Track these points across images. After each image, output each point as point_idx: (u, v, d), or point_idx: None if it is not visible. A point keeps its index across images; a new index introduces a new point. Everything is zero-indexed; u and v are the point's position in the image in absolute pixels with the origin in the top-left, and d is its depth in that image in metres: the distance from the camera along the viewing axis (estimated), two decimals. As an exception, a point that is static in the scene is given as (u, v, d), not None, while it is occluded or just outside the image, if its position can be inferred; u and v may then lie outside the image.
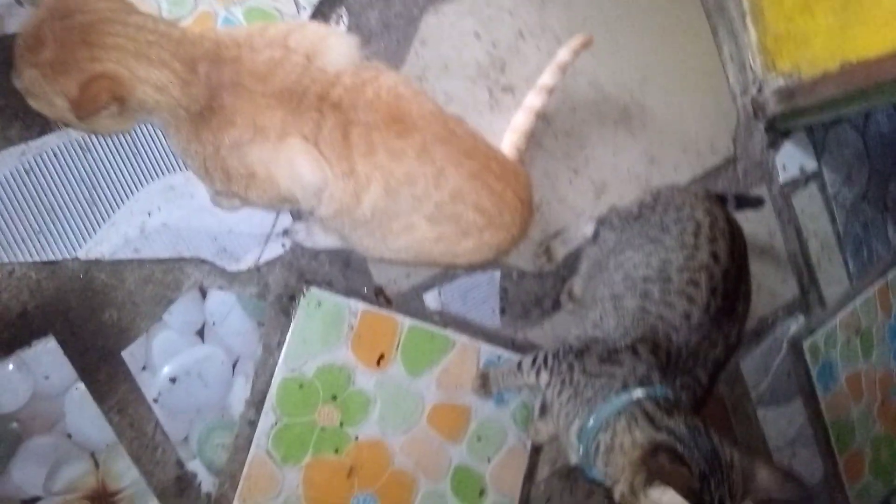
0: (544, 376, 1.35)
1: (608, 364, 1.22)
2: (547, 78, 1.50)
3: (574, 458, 1.25)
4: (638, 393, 1.16)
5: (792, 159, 2.16)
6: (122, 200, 1.27)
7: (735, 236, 1.36)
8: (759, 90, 2.07)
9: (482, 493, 1.56)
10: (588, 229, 1.62)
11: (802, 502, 1.13)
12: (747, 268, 1.36)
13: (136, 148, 1.29)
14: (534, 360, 1.41)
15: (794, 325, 2.11)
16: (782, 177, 2.12)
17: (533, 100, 1.54)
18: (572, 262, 1.68)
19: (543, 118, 1.69)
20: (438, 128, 1.19)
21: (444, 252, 1.29)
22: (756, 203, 1.75)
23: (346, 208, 1.16)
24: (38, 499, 1.19)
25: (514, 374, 1.47)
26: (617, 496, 1.10)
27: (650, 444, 1.07)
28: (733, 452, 1.09)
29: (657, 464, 1.03)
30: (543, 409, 1.64)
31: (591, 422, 1.17)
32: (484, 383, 1.55)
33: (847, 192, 2.30)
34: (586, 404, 1.20)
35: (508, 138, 1.52)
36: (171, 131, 1.13)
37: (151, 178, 1.29)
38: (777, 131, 2.11)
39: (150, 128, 1.28)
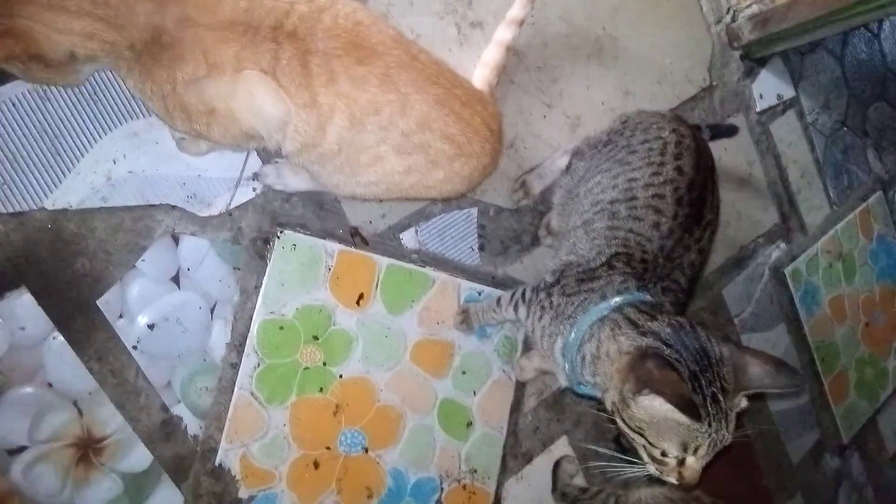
0: (522, 310, 1.35)
1: (586, 282, 1.21)
2: (516, 10, 1.48)
3: (562, 379, 1.24)
4: (617, 300, 1.14)
5: (769, 87, 2.14)
6: (85, 149, 1.26)
7: (701, 151, 1.35)
8: (733, 18, 2.05)
9: (469, 424, 1.57)
10: (562, 162, 1.61)
11: (794, 388, 1.12)
12: (714, 181, 1.36)
13: (97, 95, 1.27)
14: (512, 296, 1.41)
15: (776, 252, 2.12)
16: (759, 105, 2.11)
17: (503, 33, 1.52)
18: (549, 196, 1.67)
19: (514, 53, 1.67)
20: (400, 53, 1.17)
21: (414, 184, 1.28)
22: (730, 132, 1.74)
23: (311, 142, 1.15)
24: (23, 448, 1.20)
25: (494, 309, 1.48)
26: (608, 405, 1.09)
27: (636, 351, 1.05)
28: (722, 348, 1.05)
29: (645, 371, 1.00)
30: (527, 346, 1.66)
31: (573, 334, 1.15)
32: (465, 319, 1.55)
33: (826, 118, 2.29)
34: (567, 320, 1.18)
35: (479, 73, 1.51)
36: (123, 74, 1.12)
37: (114, 126, 1.28)
38: (753, 59, 2.10)
39: (108, 74, 1.26)
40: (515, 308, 1.38)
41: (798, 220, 2.19)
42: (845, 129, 2.34)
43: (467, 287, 1.59)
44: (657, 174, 1.30)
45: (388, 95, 1.14)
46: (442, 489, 1.55)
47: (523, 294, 1.38)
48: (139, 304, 1.29)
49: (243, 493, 1.35)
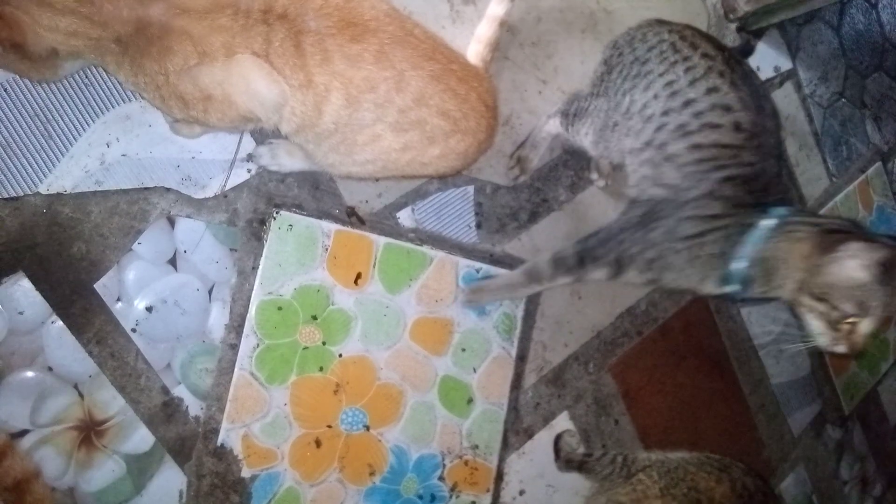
0: (632, 275, 1.36)
1: (712, 220, 1.25)
2: (508, -17, 1.47)
3: (715, 291, 1.31)
4: (772, 221, 1.21)
5: (766, 59, 2.13)
6: (78, 133, 1.26)
7: (705, 34, 1.37)
8: (729, -11, 2.03)
9: (470, 401, 1.58)
10: (551, 126, 1.61)
11: None
12: (732, 52, 1.38)
13: (88, 79, 1.26)
14: (600, 263, 1.39)
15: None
16: (756, 77, 2.09)
17: (496, 8, 1.51)
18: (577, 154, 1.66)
19: (508, 29, 1.66)
20: (395, 29, 1.16)
21: (411, 161, 1.28)
22: (746, 52, 1.75)
23: (308, 122, 1.15)
24: (26, 432, 1.21)
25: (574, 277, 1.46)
26: (788, 293, 1.20)
27: (824, 230, 1.17)
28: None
29: (837, 238, 1.13)
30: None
31: (741, 262, 1.22)
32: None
33: (823, 90, 2.28)
34: (719, 258, 1.25)
35: (473, 49, 1.50)
36: (112, 69, 1.11)
37: (106, 109, 1.27)
38: (749, 31, 2.08)
39: (99, 57, 1.26)
40: (620, 274, 1.38)
41: (797, 193, 2.18)
42: (843, 100, 2.33)
43: (465, 265, 1.59)
44: (692, 68, 1.30)
45: (383, 72, 1.14)
46: (444, 465, 1.56)
47: (620, 263, 1.37)
48: (137, 287, 1.29)
49: (246, 473, 1.36)
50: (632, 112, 1.37)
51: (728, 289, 1.26)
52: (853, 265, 1.13)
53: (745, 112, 1.28)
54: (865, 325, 1.18)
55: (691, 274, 1.29)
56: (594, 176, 1.76)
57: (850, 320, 1.16)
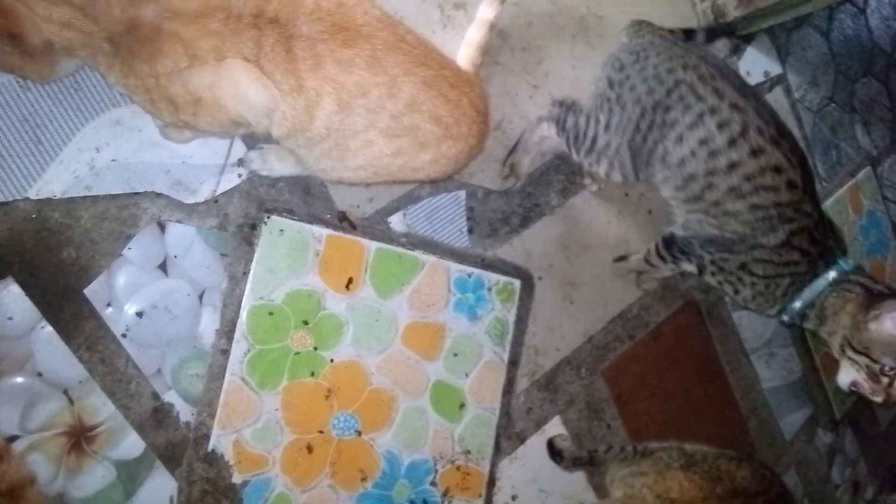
0: (709, 278, 1.55)
1: (786, 266, 1.40)
2: (498, -14, 1.48)
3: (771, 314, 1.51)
4: (832, 275, 1.38)
5: (756, 64, 2.14)
6: (67, 138, 1.25)
7: (722, 69, 1.39)
8: (719, -6, 2.05)
9: (462, 406, 1.58)
10: (542, 130, 1.62)
11: None
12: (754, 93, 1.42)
13: (78, 84, 1.26)
14: (662, 258, 1.63)
15: (765, 229, 2.12)
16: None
17: (486, 11, 1.51)
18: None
19: (498, 33, 1.66)
20: (387, 35, 1.16)
21: (402, 167, 1.28)
22: (729, 30, 1.77)
23: (299, 126, 1.15)
24: (15, 437, 1.20)
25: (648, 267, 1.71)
26: (836, 343, 1.39)
27: (869, 293, 1.34)
28: None
29: (882, 300, 1.31)
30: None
31: (799, 304, 1.42)
32: (639, 280, 1.80)
33: (813, 94, 2.29)
34: (780, 299, 1.44)
35: (463, 53, 1.50)
36: (104, 69, 1.11)
37: (95, 114, 1.27)
38: (739, 36, 2.09)
39: (89, 62, 1.26)
40: (677, 264, 1.62)
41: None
42: (833, 104, 2.35)
43: (457, 269, 1.59)
44: (725, 125, 1.33)
45: (375, 78, 1.14)
46: (436, 470, 1.55)
47: (674, 256, 1.60)
48: (127, 293, 1.28)
49: (237, 479, 1.36)
50: (668, 163, 1.41)
51: (784, 317, 1.46)
52: (889, 324, 1.30)
53: (794, 168, 1.35)
54: None
55: (754, 300, 1.48)
56: (587, 181, 1.77)
57: (889, 373, 1.32)
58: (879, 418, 2.42)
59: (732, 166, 1.33)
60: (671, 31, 1.64)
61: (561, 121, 1.57)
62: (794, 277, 1.41)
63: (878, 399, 1.36)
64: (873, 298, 1.33)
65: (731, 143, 1.33)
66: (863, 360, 1.34)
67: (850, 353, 1.36)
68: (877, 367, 1.33)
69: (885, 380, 1.35)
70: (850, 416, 2.33)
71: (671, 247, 1.58)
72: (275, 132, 1.15)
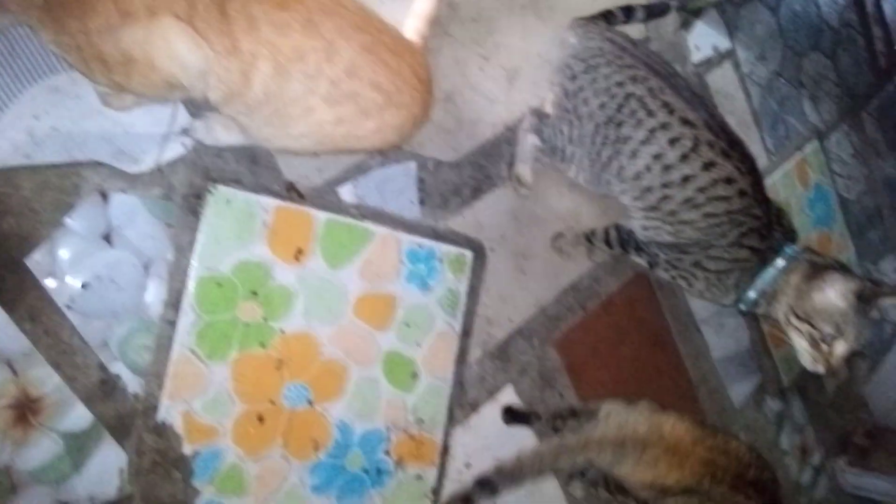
0: (662, 273, 1.62)
1: (737, 263, 1.46)
2: (445, -43, 1.48)
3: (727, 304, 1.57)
4: (780, 263, 1.44)
5: (705, 39, 2.18)
6: (4, 105, 1.23)
7: (669, 76, 1.43)
8: (669, -31, 2.07)
9: (415, 376, 1.60)
10: (532, 140, 1.66)
11: None
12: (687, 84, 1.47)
13: (14, 50, 1.23)
14: (609, 243, 1.71)
15: (715, 201, 2.17)
16: (696, 57, 2.15)
17: (434, -19, 1.51)
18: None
19: (448, 4, 1.67)
20: None
21: (346, 135, 1.28)
22: (663, 11, 1.80)
23: (236, 90, 1.14)
24: (-44, 411, 1.19)
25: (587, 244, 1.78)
26: (781, 312, 1.43)
27: (817, 265, 1.41)
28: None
29: (826, 269, 1.37)
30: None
31: (753, 293, 1.47)
32: (560, 251, 1.81)
33: (762, 69, 2.34)
34: (733, 289, 1.50)
35: (411, 24, 1.49)
36: (36, 25, 1.08)
37: (33, 81, 1.25)
38: (688, 11, 2.13)
39: (25, 30, 1.23)
40: (626, 254, 1.69)
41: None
42: (781, 79, 2.40)
43: (408, 241, 1.60)
44: (677, 140, 1.38)
45: (312, 42, 1.14)
46: (389, 439, 1.57)
47: (627, 250, 1.67)
48: (70, 263, 1.27)
49: (187, 449, 1.35)
50: (624, 177, 1.47)
51: (741, 306, 1.53)
52: (833, 293, 1.35)
53: (744, 177, 1.41)
54: (841, 348, 1.39)
55: (708, 291, 1.55)
56: (515, 184, 1.76)
57: (827, 342, 1.37)
58: (826, 386, 2.50)
59: (686, 179, 1.40)
60: (610, 15, 1.65)
61: (539, 131, 1.62)
62: (743, 271, 1.47)
63: (821, 369, 1.41)
64: (818, 269, 1.40)
65: (684, 158, 1.39)
66: (805, 327, 1.40)
67: (794, 320, 1.42)
68: (818, 335, 1.39)
69: (825, 347, 1.40)
70: (798, 384, 2.40)
71: (627, 243, 1.64)
72: (212, 96, 1.15)
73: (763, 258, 1.46)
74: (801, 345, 1.43)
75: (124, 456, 1.31)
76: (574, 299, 1.87)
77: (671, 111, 1.39)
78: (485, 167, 1.74)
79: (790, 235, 1.52)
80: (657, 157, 1.40)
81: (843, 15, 2.66)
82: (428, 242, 1.63)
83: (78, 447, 1.27)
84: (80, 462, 1.28)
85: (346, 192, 1.54)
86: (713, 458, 1.39)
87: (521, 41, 1.80)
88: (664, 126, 1.39)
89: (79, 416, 1.27)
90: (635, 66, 1.42)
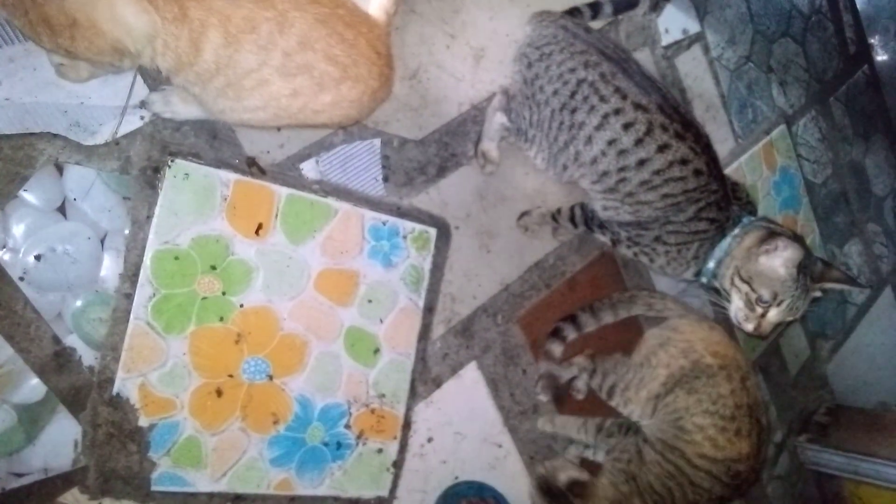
0: (624, 251, 1.67)
1: (696, 235, 1.51)
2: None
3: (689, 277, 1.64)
4: (736, 230, 1.51)
5: (674, 22, 2.19)
6: (-45, 75, 1.21)
7: (621, 61, 1.44)
8: (639, -49, 2.07)
9: (377, 351, 1.61)
10: (500, 118, 1.67)
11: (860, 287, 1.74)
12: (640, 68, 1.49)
13: (-35, 19, 1.22)
14: (574, 222, 1.74)
15: (681, 183, 2.19)
16: (665, 40, 2.15)
17: (399, -42, 1.50)
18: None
19: (414, -19, 1.66)
20: None
21: (302, 108, 1.28)
22: (631, 4, 1.86)
23: (186, 59, 1.13)
24: None
25: (552, 222, 1.80)
26: (729, 273, 1.50)
27: (767, 231, 1.48)
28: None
29: (777, 234, 1.45)
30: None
31: (712, 263, 1.54)
32: (526, 229, 1.82)
33: (731, 53, 2.35)
34: (693, 260, 1.56)
35: (376, 1, 1.49)
36: None
37: (-15, 50, 1.23)
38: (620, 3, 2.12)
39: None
40: (590, 231, 1.73)
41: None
42: (750, 64, 2.42)
43: (371, 217, 1.61)
44: (630, 125, 1.40)
45: (264, 12, 1.13)
46: (350, 414, 1.58)
47: (591, 228, 1.70)
48: (24, 235, 1.26)
49: (144, 422, 1.36)
50: (581, 161, 1.49)
51: (702, 279, 1.59)
52: (779, 260, 1.42)
53: (699, 157, 1.43)
54: (773, 314, 1.46)
55: (669, 265, 1.59)
56: (481, 162, 1.76)
57: (763, 305, 1.45)
58: (788, 364, 2.54)
59: (642, 163, 1.42)
60: (576, 11, 1.67)
61: (507, 110, 1.64)
62: (703, 242, 1.53)
63: (750, 327, 1.48)
64: (773, 235, 1.45)
65: (639, 142, 1.41)
66: (744, 287, 1.47)
67: (737, 281, 1.49)
68: (754, 297, 1.46)
69: (759, 310, 1.47)
70: (761, 363, 2.44)
71: (591, 221, 1.67)
72: (161, 64, 1.14)
73: (721, 229, 1.51)
74: (736, 303, 1.50)
75: (79, 428, 1.31)
76: (538, 277, 1.89)
77: (624, 96, 1.40)
78: (450, 145, 1.74)
79: (748, 207, 1.55)
80: (612, 142, 1.42)
81: (813, 1, 2.68)
82: (391, 219, 1.63)
83: (31, 419, 1.27)
84: (34, 434, 1.28)
85: (309, 169, 1.54)
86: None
87: (489, 20, 1.79)
88: (617, 111, 1.40)
89: (32, 388, 1.27)
90: (587, 52, 1.44)
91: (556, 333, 1.83)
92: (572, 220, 1.74)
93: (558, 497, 1.62)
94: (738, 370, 1.63)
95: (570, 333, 1.85)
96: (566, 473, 1.66)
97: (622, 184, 1.47)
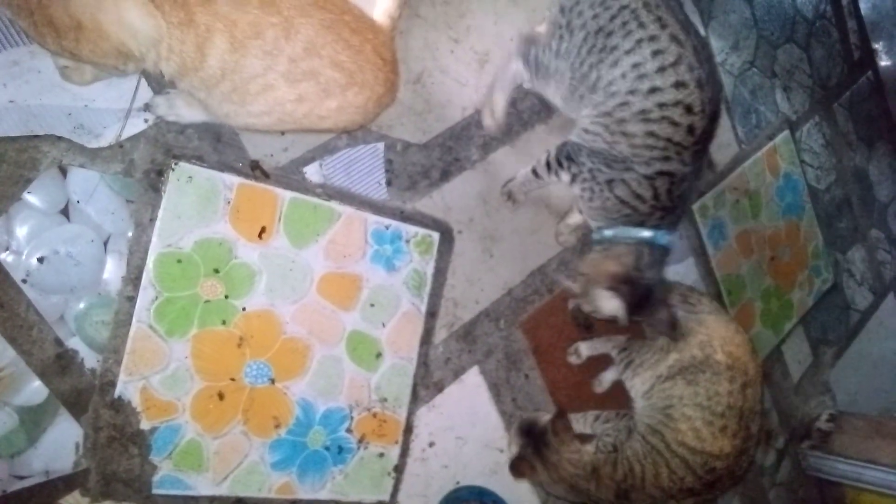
0: (565, 176, 1.63)
1: (635, 199, 1.50)
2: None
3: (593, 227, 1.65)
4: (646, 234, 1.52)
5: (679, 26, 2.18)
6: (-40, 77, 1.21)
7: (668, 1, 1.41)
8: (644, -44, 2.07)
9: (379, 355, 1.60)
10: (514, 67, 1.64)
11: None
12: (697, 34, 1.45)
13: (-30, 21, 1.22)
14: (548, 166, 1.67)
15: (685, 188, 2.18)
16: (669, 44, 2.14)
17: (404, -37, 1.50)
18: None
19: (419, -15, 1.66)
20: None
21: (308, 113, 1.28)
22: None
23: (191, 64, 1.13)
24: None
25: (533, 181, 1.73)
26: (574, 284, 1.58)
27: (626, 273, 1.51)
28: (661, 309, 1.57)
29: (620, 281, 1.50)
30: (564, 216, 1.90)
31: (608, 232, 1.57)
32: (510, 196, 1.77)
33: (735, 58, 2.35)
34: (611, 221, 1.57)
35: (381, 5, 1.49)
36: None
37: (-10, 53, 1.23)
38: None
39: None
40: (556, 175, 1.65)
41: (707, 158, 2.25)
42: (754, 69, 2.41)
43: (374, 221, 1.61)
44: (660, 52, 1.35)
45: (270, 18, 1.13)
46: (352, 418, 1.58)
47: (560, 162, 1.63)
48: (27, 238, 1.26)
49: (145, 425, 1.36)
50: (598, 87, 1.45)
51: (594, 236, 1.63)
52: (606, 304, 1.53)
53: (701, 117, 1.39)
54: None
55: (595, 211, 1.60)
56: (488, 122, 1.75)
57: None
58: (791, 371, 2.54)
59: (653, 91, 1.37)
60: None
61: (525, 54, 1.60)
62: (632, 214, 1.53)
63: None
64: (619, 280, 1.51)
65: (661, 70, 1.36)
66: (580, 280, 1.62)
67: (575, 288, 1.61)
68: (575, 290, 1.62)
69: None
70: (764, 369, 2.43)
71: (561, 152, 1.63)
72: (165, 68, 1.14)
73: (651, 215, 1.52)
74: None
75: (80, 431, 1.31)
76: (541, 282, 1.89)
77: (663, 26, 1.36)
78: (454, 150, 1.74)
79: (675, 220, 1.58)
80: (636, 65, 1.38)
81: (817, 7, 2.67)
82: (394, 223, 1.63)
83: (33, 421, 1.27)
84: (36, 436, 1.28)
85: (313, 172, 1.54)
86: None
87: (493, 25, 1.79)
88: (652, 38, 1.37)
89: (34, 390, 1.27)
90: None
91: None
92: (548, 165, 1.68)
93: (536, 436, 1.63)
94: (743, 375, 1.63)
95: None
96: (547, 416, 1.66)
97: (621, 108, 1.43)
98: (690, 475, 1.56)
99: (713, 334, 1.69)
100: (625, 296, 1.50)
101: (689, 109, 1.38)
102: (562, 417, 1.60)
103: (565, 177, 1.63)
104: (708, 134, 1.43)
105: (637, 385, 1.74)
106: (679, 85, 1.36)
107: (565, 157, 1.62)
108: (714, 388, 1.60)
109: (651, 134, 1.41)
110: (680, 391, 1.62)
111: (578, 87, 1.50)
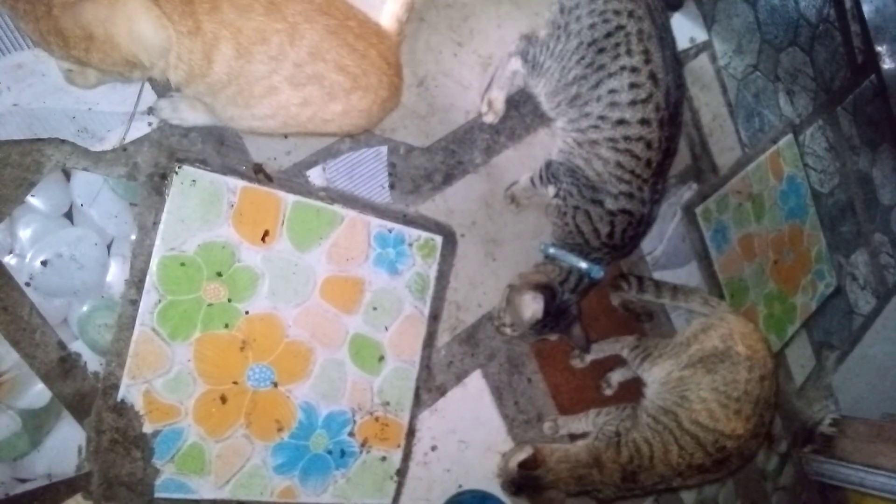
0: (555, 202, 1.69)
1: (592, 234, 1.61)
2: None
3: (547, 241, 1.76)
4: (583, 265, 1.63)
5: (682, 30, 2.18)
6: (-36, 80, 1.21)
7: (662, 34, 1.47)
8: (647, -40, 2.07)
9: (381, 359, 1.60)
10: (514, 64, 1.67)
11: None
12: (680, 70, 1.55)
13: (-26, 24, 1.22)
14: (541, 177, 1.72)
15: (688, 192, 2.19)
16: (673, 48, 2.14)
17: (410, -33, 1.51)
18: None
19: (423, -11, 1.66)
20: None
21: (312, 117, 1.28)
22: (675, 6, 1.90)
23: (198, 71, 1.13)
24: (-88, 386, 1.18)
25: (531, 189, 1.77)
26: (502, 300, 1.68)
27: (549, 283, 1.61)
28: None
29: (536, 283, 1.60)
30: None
31: (552, 250, 1.67)
32: (513, 200, 1.80)
33: (738, 62, 2.35)
34: (561, 237, 1.67)
35: (389, 9, 1.49)
36: None
37: (-5, 56, 1.23)
38: (666, 2, 2.12)
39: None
40: (545, 187, 1.71)
41: (710, 162, 2.25)
42: (757, 72, 2.41)
43: (377, 224, 1.60)
44: (636, 86, 1.43)
45: (275, 24, 1.13)
46: (354, 421, 1.58)
47: (546, 177, 1.69)
48: (31, 241, 1.26)
49: (148, 428, 1.36)
50: (575, 104, 1.52)
51: (542, 247, 1.73)
52: (526, 311, 1.59)
53: (658, 152, 1.50)
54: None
55: (558, 229, 1.69)
56: (484, 109, 1.76)
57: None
58: (793, 375, 2.53)
59: (621, 122, 1.47)
60: None
61: (524, 53, 1.64)
62: (583, 245, 1.64)
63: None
64: (540, 287, 1.59)
65: (632, 104, 1.45)
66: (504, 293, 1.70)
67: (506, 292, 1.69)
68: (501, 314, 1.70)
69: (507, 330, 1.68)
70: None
71: (548, 167, 1.68)
72: (172, 77, 1.14)
73: (599, 250, 1.62)
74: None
75: (83, 434, 1.31)
76: (544, 286, 1.88)
77: (647, 60, 1.43)
78: (457, 153, 1.74)
79: (615, 260, 1.72)
80: (612, 91, 1.45)
81: (821, 10, 2.67)
82: (397, 227, 1.63)
83: (36, 425, 1.27)
84: (39, 440, 1.28)
85: (316, 176, 1.54)
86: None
87: (497, 28, 1.79)
88: (634, 70, 1.43)
89: (37, 393, 1.27)
90: (637, 3, 1.44)
91: (622, 276, 1.97)
92: (541, 176, 1.72)
93: (522, 484, 1.64)
94: (762, 368, 1.65)
95: (631, 290, 1.96)
96: (514, 460, 1.66)
97: (594, 131, 1.51)
98: (700, 451, 1.58)
99: (734, 329, 1.73)
100: (546, 300, 1.56)
101: (648, 146, 1.48)
102: (526, 467, 1.63)
103: (552, 190, 1.68)
104: (664, 168, 1.54)
105: (655, 372, 1.77)
106: (643, 122, 1.46)
107: (550, 175, 1.68)
108: (732, 375, 1.63)
109: (619, 164, 1.50)
110: (698, 378, 1.65)
111: (560, 94, 1.56)
